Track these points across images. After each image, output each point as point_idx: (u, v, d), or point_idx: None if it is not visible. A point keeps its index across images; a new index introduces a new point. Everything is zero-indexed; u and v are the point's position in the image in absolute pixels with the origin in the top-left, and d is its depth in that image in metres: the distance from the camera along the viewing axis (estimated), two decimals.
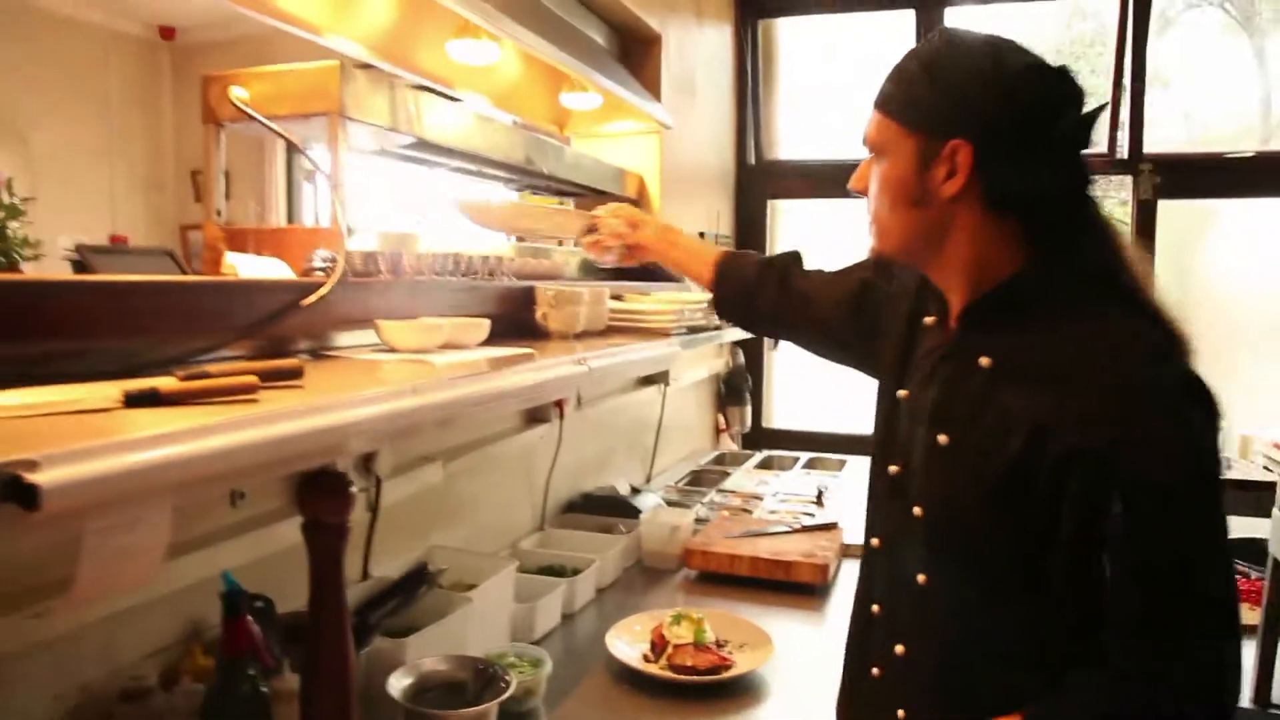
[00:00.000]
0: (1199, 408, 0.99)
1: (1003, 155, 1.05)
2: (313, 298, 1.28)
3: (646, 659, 1.80)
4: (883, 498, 1.26)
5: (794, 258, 1.61)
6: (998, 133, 1.04)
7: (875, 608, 1.28)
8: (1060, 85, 1.06)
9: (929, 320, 1.23)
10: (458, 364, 1.34)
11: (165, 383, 0.89)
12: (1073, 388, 1.01)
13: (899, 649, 1.20)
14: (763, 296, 1.58)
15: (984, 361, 1.10)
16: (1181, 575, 0.97)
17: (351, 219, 1.58)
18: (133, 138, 5.73)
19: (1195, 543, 0.98)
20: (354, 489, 1.10)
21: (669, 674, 1.73)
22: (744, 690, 1.74)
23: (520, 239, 3.16)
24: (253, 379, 0.91)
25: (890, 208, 1.13)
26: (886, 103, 1.13)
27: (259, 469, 0.82)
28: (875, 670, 1.25)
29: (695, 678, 1.72)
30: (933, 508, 1.15)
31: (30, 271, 1.79)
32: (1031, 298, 1.09)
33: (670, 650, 1.78)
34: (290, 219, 5.48)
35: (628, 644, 1.85)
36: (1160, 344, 1.03)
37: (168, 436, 0.73)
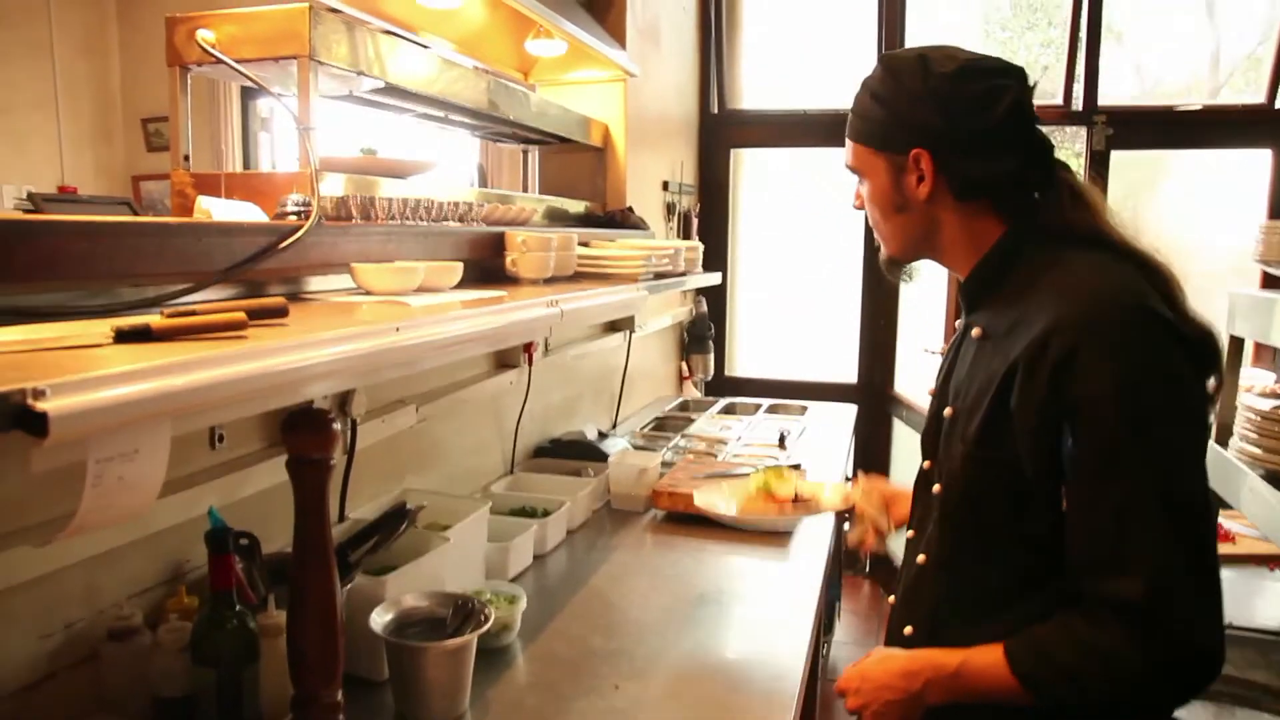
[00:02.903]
0: (1161, 334, 1.02)
1: (956, 153, 1.17)
2: (291, 240, 1.29)
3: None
4: (918, 489, 1.35)
5: None
6: (944, 136, 1.17)
7: (891, 599, 1.37)
8: (988, 78, 1.16)
9: (959, 321, 1.33)
10: (434, 306, 1.36)
11: (155, 320, 0.90)
12: (1030, 333, 1.07)
13: (907, 630, 1.28)
14: None
15: (975, 333, 1.22)
16: (1128, 500, 0.99)
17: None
18: (78, 85, 5.57)
19: (1140, 467, 0.99)
20: (336, 425, 1.12)
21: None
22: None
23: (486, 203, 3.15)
24: (241, 316, 0.92)
25: (882, 218, 1.28)
26: (853, 132, 1.28)
27: (252, 399, 0.84)
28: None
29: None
30: (945, 478, 1.23)
31: None
32: (1010, 265, 1.19)
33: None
34: (246, 166, 5.38)
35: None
36: (1116, 281, 1.07)
37: (168, 367, 0.75)
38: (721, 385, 4.53)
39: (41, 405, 0.64)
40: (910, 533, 1.35)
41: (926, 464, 1.32)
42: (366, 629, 1.39)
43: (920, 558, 1.27)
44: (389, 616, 1.43)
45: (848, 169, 1.31)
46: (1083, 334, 1.02)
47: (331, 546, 1.14)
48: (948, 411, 1.23)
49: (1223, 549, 2.20)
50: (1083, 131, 4.22)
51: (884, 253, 1.34)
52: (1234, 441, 1.81)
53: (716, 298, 4.38)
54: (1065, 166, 1.22)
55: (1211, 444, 1.84)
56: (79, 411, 0.67)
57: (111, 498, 0.74)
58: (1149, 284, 1.09)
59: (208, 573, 1.19)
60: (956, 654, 1.13)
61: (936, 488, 1.25)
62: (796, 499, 1.83)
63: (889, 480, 1.73)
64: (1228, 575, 2.16)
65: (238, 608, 1.18)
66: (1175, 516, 0.99)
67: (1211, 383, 1.09)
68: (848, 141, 1.29)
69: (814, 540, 2.27)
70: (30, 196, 2.88)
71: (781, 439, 3.12)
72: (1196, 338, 1.06)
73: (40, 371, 0.71)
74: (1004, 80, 1.17)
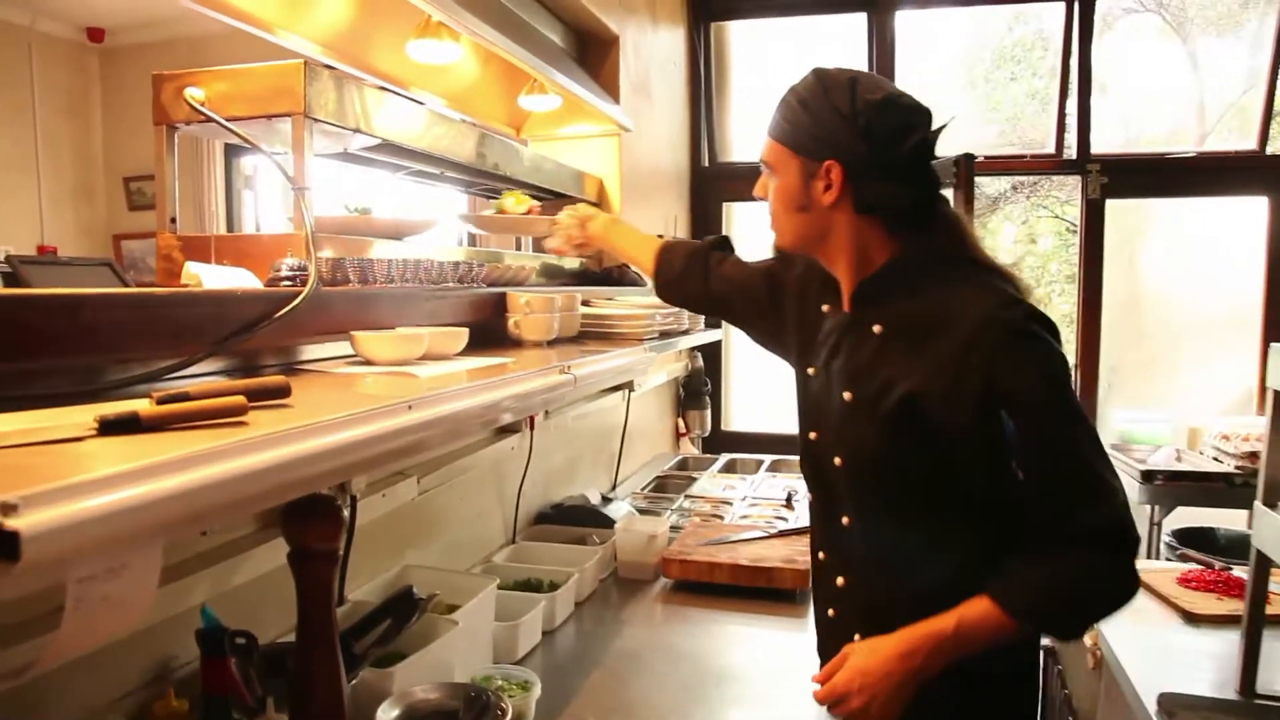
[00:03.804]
0: (1044, 330, 1.24)
1: (866, 172, 1.30)
2: (289, 308, 1.20)
3: None
4: (809, 458, 1.48)
5: (720, 243, 1.86)
6: (860, 155, 1.29)
7: (821, 554, 1.48)
8: (905, 114, 1.30)
9: (827, 308, 1.49)
10: (443, 376, 1.27)
11: (144, 406, 0.80)
12: (949, 333, 1.25)
13: (839, 581, 1.42)
14: (692, 283, 1.82)
15: (876, 329, 1.35)
16: (1076, 454, 1.21)
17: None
18: (60, 145, 5.49)
19: (1074, 427, 1.22)
20: (345, 512, 1.02)
21: None
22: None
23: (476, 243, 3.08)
24: (241, 400, 0.83)
25: (784, 212, 1.40)
26: (775, 130, 1.38)
27: (260, 499, 0.74)
28: (830, 611, 1.46)
29: None
30: (848, 455, 1.38)
31: None
32: (906, 275, 1.35)
33: None
34: (230, 225, 5.29)
35: None
36: (1006, 293, 1.28)
37: (161, 467, 0.65)
38: (718, 441, 4.43)
39: (12, 523, 0.55)
40: (811, 496, 1.49)
41: (814, 435, 1.46)
42: None
43: (844, 520, 1.39)
44: (396, 712, 1.31)
45: (761, 161, 1.42)
46: (1000, 338, 1.22)
47: (337, 646, 1.04)
48: (847, 395, 1.36)
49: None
50: (1075, 180, 4.21)
51: (775, 241, 1.46)
52: None
53: (711, 352, 4.31)
54: (945, 200, 1.39)
55: (1258, 504, 1.76)
56: (57, 528, 0.57)
57: (95, 620, 0.64)
58: (1012, 284, 1.32)
59: (200, 676, 1.08)
60: (948, 618, 1.23)
61: (838, 461, 1.38)
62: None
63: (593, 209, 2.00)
64: (1265, 636, 2.06)
65: (236, 716, 1.07)
66: (1101, 455, 1.23)
67: None
68: (766, 138, 1.40)
69: None
70: (8, 259, 2.78)
71: (789, 498, 3.02)
72: (1051, 322, 1.27)
73: (10, 477, 0.62)
74: (918, 119, 1.30)
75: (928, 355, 1.27)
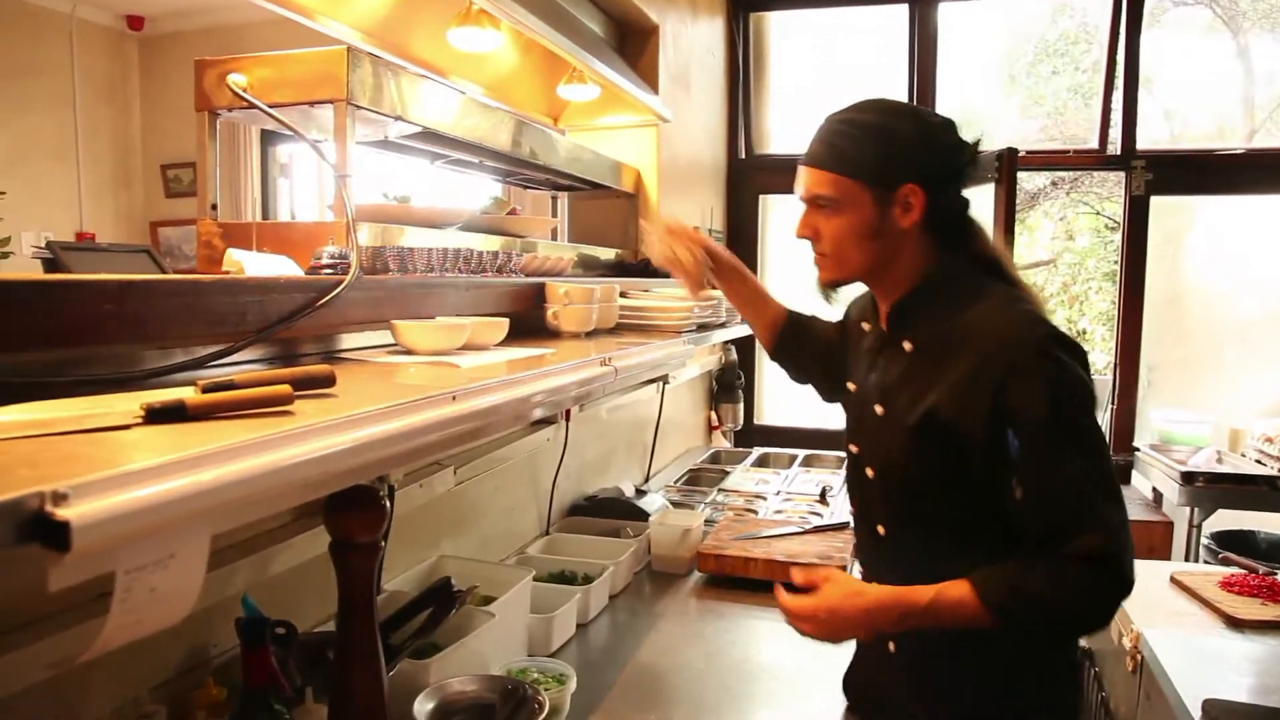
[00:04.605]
0: (1064, 353, 1.25)
1: (939, 190, 1.36)
2: (331, 295, 1.19)
3: None
4: (851, 470, 1.54)
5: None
6: (934, 175, 1.36)
7: (860, 567, 1.55)
8: (956, 133, 1.38)
9: (867, 326, 1.56)
10: (485, 367, 1.26)
11: (189, 395, 0.79)
12: (969, 350, 1.29)
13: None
14: (806, 351, 1.83)
15: (907, 346, 1.41)
16: (1073, 481, 1.22)
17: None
18: (99, 133, 5.55)
19: (1078, 454, 1.22)
20: (386, 503, 1.01)
21: None
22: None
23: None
24: (286, 389, 0.81)
25: (854, 244, 1.40)
26: (833, 164, 1.38)
27: (308, 489, 0.73)
28: None
29: None
30: (879, 467, 1.43)
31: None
32: (938, 292, 1.39)
33: None
34: (265, 213, 5.31)
35: None
36: (1031, 313, 1.31)
37: (210, 456, 0.64)
38: (751, 434, 4.40)
39: (62, 513, 0.54)
40: (852, 508, 1.56)
41: (854, 448, 1.51)
42: (410, 718, 1.26)
43: (879, 529, 1.45)
44: (432, 705, 1.30)
45: (814, 199, 1.41)
46: (1014, 357, 1.25)
47: (378, 639, 1.03)
48: (879, 409, 1.43)
49: None
50: (1112, 176, 4.12)
51: (827, 276, 1.47)
52: None
53: (745, 345, 4.27)
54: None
55: None
56: (107, 518, 0.56)
57: (142, 612, 0.63)
58: (1035, 304, 1.35)
59: (241, 666, 1.07)
60: (926, 591, 1.26)
61: (869, 472, 1.45)
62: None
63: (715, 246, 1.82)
64: None
65: (277, 707, 1.06)
66: (1105, 485, 1.23)
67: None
68: (816, 172, 1.40)
69: None
70: (49, 245, 2.81)
71: (823, 494, 2.99)
72: (1074, 342, 1.28)
73: (59, 466, 0.61)
74: (960, 136, 1.38)
75: (949, 371, 1.31)
